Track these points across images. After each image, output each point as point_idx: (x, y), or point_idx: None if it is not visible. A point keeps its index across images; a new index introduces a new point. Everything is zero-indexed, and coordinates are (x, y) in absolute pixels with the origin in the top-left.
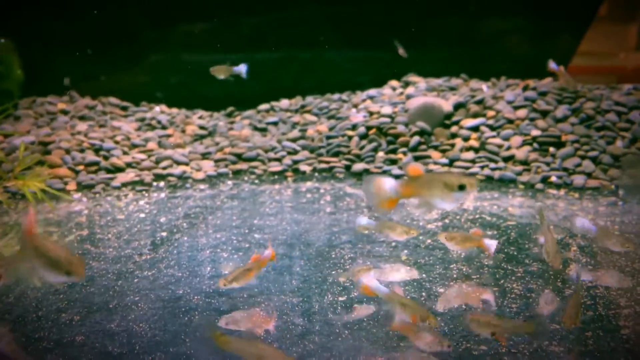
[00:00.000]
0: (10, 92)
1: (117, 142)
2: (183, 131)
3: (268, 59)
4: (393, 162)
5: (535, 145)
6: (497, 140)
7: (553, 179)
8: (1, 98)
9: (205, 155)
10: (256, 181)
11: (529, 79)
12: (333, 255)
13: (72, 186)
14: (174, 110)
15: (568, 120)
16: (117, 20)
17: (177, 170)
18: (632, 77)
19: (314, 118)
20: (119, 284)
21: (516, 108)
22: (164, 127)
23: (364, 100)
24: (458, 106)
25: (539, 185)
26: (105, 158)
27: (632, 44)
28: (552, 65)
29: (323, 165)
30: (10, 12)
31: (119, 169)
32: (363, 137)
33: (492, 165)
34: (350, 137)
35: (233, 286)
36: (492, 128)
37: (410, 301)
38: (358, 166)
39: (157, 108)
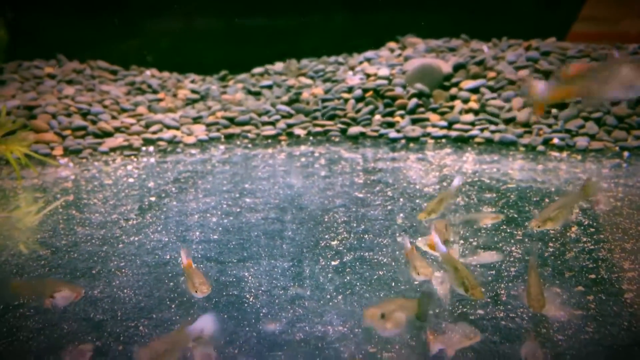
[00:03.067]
0: None
1: (105, 107)
2: (174, 95)
3: (262, 23)
4: (390, 125)
5: None
6: (498, 102)
7: (555, 141)
8: None
9: (196, 120)
10: (249, 145)
11: (532, 40)
12: (326, 219)
13: (58, 151)
14: (165, 74)
15: None
16: None
17: (167, 134)
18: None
19: (309, 81)
20: (103, 250)
21: (518, 68)
22: (154, 91)
23: (360, 63)
24: (458, 67)
25: (541, 148)
26: (93, 122)
27: (636, 10)
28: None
29: (318, 129)
30: None
31: (107, 134)
32: (359, 99)
33: (492, 127)
34: (346, 100)
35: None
36: (492, 89)
37: (463, 267)
38: (354, 129)
39: (148, 72)
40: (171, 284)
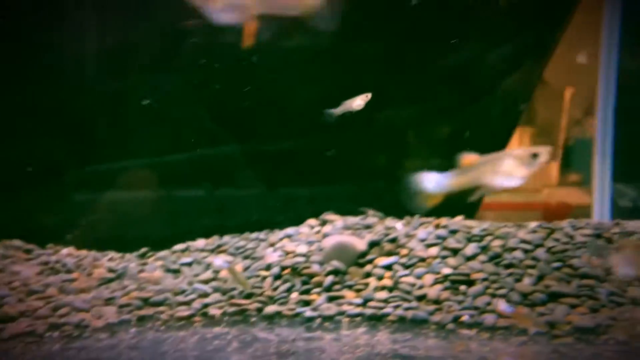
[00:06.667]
0: None
1: (13, 289)
2: (89, 274)
3: (186, 197)
4: (306, 303)
5: (447, 283)
6: (410, 279)
7: (465, 318)
8: None
9: (109, 301)
10: (161, 328)
11: (442, 217)
12: None
13: None
14: (83, 252)
15: (477, 258)
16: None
17: (75, 318)
18: (555, 212)
19: (229, 258)
20: None
21: (428, 246)
22: (69, 271)
23: (281, 239)
24: (372, 244)
25: (450, 326)
26: None
27: (553, 181)
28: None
29: (234, 309)
30: None
31: (10, 318)
32: (277, 277)
33: (405, 304)
34: (264, 278)
35: None
36: (405, 266)
37: None
38: (270, 308)
39: (64, 250)
40: None
